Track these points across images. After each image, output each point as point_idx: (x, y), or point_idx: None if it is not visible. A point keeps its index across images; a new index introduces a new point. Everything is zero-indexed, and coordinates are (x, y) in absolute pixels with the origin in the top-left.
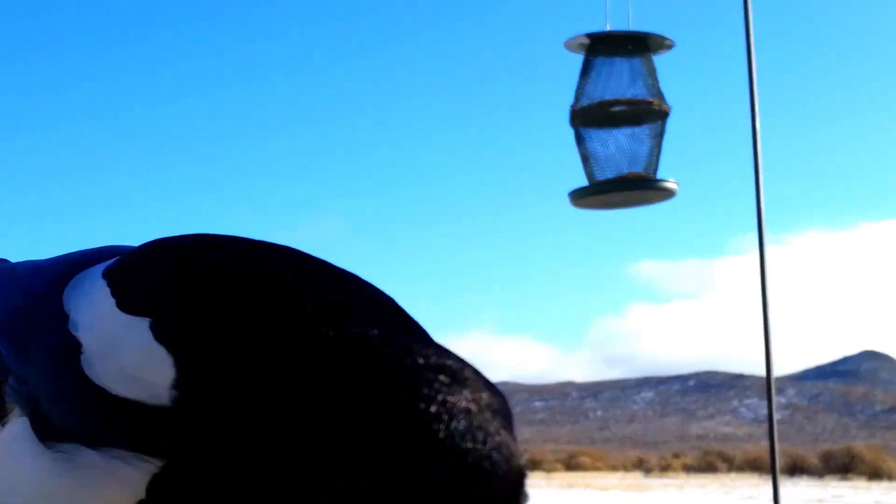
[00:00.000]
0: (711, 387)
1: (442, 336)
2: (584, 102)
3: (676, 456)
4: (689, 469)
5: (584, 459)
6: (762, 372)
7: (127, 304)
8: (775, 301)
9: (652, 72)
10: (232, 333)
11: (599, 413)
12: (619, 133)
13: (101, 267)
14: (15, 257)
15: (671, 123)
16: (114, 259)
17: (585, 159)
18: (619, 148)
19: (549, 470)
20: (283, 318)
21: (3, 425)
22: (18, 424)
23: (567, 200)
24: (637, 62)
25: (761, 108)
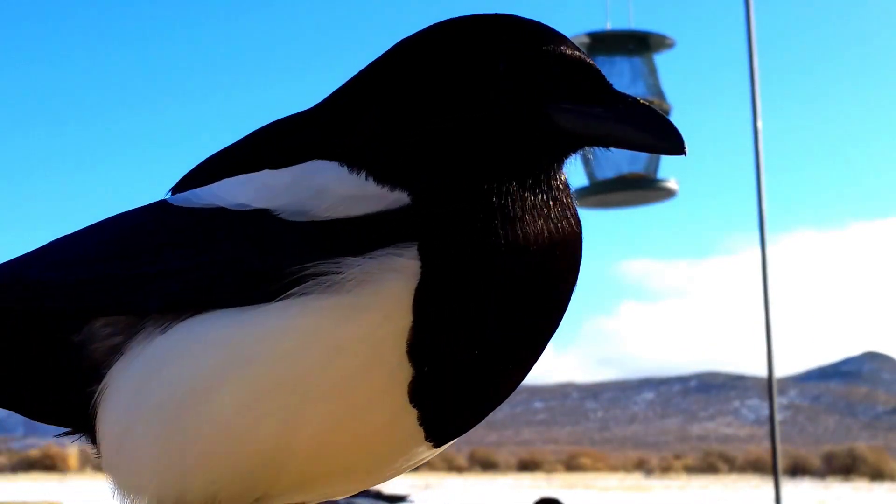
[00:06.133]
0: (712, 387)
1: None
2: None
3: (677, 457)
4: (691, 470)
5: (585, 460)
6: (764, 373)
7: (287, 162)
8: (775, 301)
9: (652, 71)
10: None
11: (600, 414)
12: None
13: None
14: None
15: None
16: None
17: (585, 158)
18: None
19: (550, 470)
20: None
21: (159, 332)
22: (203, 321)
23: None
24: (637, 61)
25: (761, 108)
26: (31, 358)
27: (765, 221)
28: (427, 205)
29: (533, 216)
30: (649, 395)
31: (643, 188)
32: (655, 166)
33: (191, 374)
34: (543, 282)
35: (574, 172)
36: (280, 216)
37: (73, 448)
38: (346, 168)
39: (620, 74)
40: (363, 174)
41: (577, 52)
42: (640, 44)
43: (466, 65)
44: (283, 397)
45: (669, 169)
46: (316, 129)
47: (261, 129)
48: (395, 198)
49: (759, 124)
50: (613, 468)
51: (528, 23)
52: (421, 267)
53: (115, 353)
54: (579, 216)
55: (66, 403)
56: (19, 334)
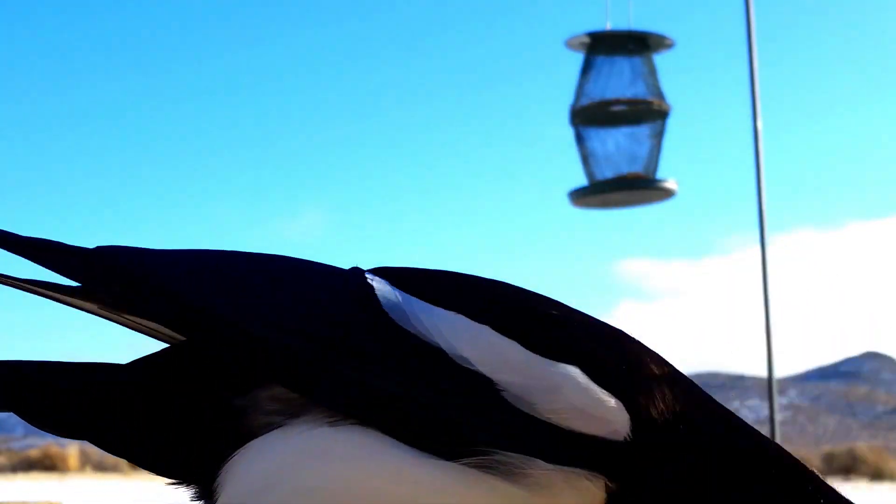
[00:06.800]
0: (713, 388)
1: None
2: (585, 101)
3: None
4: None
5: None
6: (763, 373)
7: (538, 346)
8: (775, 301)
9: (652, 71)
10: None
11: None
12: (618, 132)
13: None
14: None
15: (671, 123)
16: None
17: (585, 158)
18: (618, 147)
19: None
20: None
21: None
22: (366, 436)
23: (565, 200)
24: (637, 61)
25: (762, 108)
26: (180, 402)
27: (765, 221)
28: (641, 462)
29: None
30: None
31: (642, 188)
32: (655, 166)
33: (348, 481)
34: None
35: (574, 173)
36: (501, 392)
37: (73, 448)
38: (588, 381)
39: (620, 74)
40: (602, 396)
41: None
42: (640, 44)
43: None
44: None
45: (669, 169)
46: (575, 335)
47: (511, 288)
48: (615, 431)
49: (759, 124)
50: None
51: None
52: (604, 501)
53: (271, 426)
54: None
55: (194, 456)
56: (185, 372)
